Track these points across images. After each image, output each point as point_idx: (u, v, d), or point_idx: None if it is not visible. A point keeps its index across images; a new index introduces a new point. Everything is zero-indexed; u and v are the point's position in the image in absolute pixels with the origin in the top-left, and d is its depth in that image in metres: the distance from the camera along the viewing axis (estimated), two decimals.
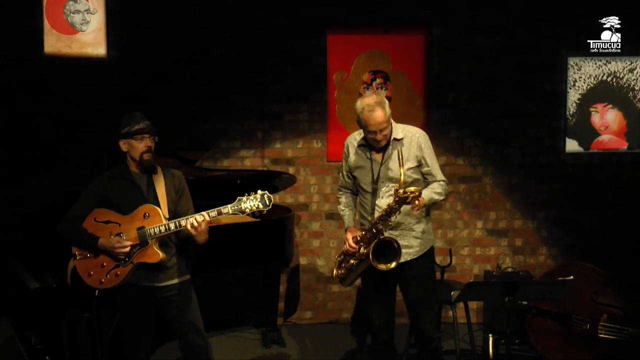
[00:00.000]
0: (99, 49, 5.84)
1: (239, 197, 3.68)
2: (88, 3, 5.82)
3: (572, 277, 4.11)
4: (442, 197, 4.05)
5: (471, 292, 4.32)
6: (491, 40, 5.97)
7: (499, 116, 6.06)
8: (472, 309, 5.53)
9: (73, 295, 4.21)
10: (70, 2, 5.81)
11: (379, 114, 3.87)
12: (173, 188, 3.88)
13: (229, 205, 3.69)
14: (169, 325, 3.94)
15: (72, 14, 5.81)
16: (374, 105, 3.89)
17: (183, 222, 3.70)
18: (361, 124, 3.95)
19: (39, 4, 5.76)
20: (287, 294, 6.09)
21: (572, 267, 5.12)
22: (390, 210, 3.88)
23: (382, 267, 3.90)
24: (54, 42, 5.80)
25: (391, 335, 4.21)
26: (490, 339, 4.93)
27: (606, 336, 4.88)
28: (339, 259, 4.17)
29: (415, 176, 4.01)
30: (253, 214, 3.69)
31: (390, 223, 3.93)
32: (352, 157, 4.11)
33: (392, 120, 4.01)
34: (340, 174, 4.27)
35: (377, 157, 4.03)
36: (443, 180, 4.08)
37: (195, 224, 3.67)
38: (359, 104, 3.95)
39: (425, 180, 4.07)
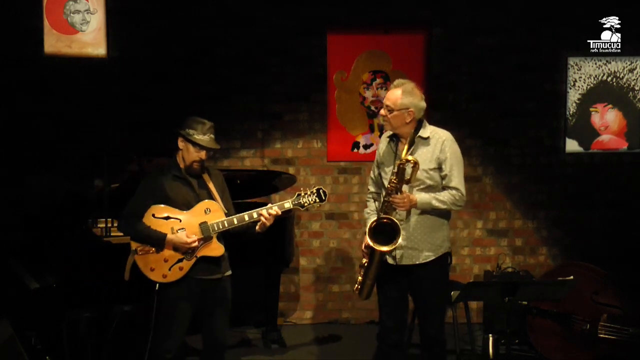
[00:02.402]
0: (99, 49, 5.84)
1: (297, 193, 3.91)
2: (88, 3, 5.82)
3: (572, 277, 4.11)
4: (445, 207, 3.91)
5: (471, 292, 4.32)
6: (491, 40, 5.98)
7: (499, 116, 6.06)
8: (472, 309, 5.53)
9: (74, 295, 4.23)
10: (70, 2, 5.81)
11: (394, 92, 3.89)
12: (218, 187, 4.00)
13: (290, 200, 3.91)
14: (201, 316, 3.96)
15: (72, 14, 5.81)
16: (401, 84, 3.90)
17: (246, 217, 3.86)
18: None
19: (39, 4, 5.76)
20: (287, 294, 6.09)
21: (572, 267, 5.12)
22: (391, 189, 3.82)
23: (382, 248, 3.83)
24: (54, 42, 5.80)
25: (401, 338, 4.16)
26: (490, 339, 4.93)
27: (606, 336, 4.88)
28: (358, 276, 4.09)
29: (430, 182, 3.90)
30: (310, 205, 3.92)
31: (397, 202, 3.84)
32: (382, 150, 4.07)
33: (426, 122, 3.97)
34: (370, 175, 4.16)
35: (402, 152, 3.93)
36: (457, 190, 3.92)
37: (274, 212, 3.86)
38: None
39: (442, 185, 3.96)
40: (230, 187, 5.17)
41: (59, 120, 5.81)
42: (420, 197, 3.88)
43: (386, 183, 3.95)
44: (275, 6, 5.91)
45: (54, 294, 4.27)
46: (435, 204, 3.91)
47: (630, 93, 6.06)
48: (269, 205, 3.92)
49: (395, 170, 3.81)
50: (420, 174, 3.86)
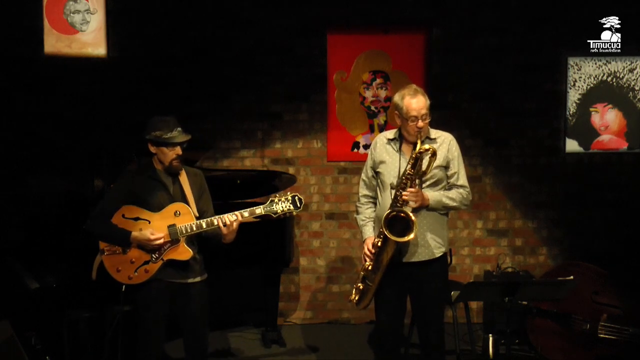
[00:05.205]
0: (99, 49, 5.84)
1: (270, 199, 3.78)
2: (88, 3, 5.82)
3: (572, 277, 4.11)
4: (454, 204, 3.95)
5: (471, 292, 4.32)
6: (491, 40, 5.98)
7: (499, 116, 6.06)
8: (472, 309, 5.53)
9: (74, 295, 4.22)
10: (70, 2, 5.81)
11: (421, 99, 3.87)
12: (196, 187, 3.93)
13: (261, 206, 3.78)
14: (178, 322, 3.93)
15: (72, 14, 5.81)
16: (414, 91, 3.88)
17: (215, 221, 3.76)
18: (402, 112, 3.87)
19: (39, 4, 5.76)
20: (287, 294, 6.09)
21: (573, 267, 5.12)
22: (407, 179, 3.79)
23: (399, 239, 3.77)
24: (54, 42, 5.80)
25: (399, 340, 4.16)
26: (490, 339, 4.93)
27: (606, 336, 4.88)
28: (356, 285, 4.04)
29: (441, 175, 3.94)
30: (284, 214, 3.78)
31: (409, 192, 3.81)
32: (379, 151, 4.01)
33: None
34: (363, 178, 4.09)
35: (407, 152, 3.94)
36: (464, 187, 3.98)
37: (228, 222, 3.74)
38: (398, 94, 3.91)
39: (448, 184, 3.99)
40: (230, 187, 5.17)
41: (59, 120, 5.82)
42: (432, 195, 3.89)
43: (387, 181, 3.94)
44: (275, 6, 5.91)
45: (54, 294, 4.26)
46: (447, 202, 3.94)
47: (630, 93, 6.06)
48: (239, 211, 3.78)
49: (412, 161, 3.79)
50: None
